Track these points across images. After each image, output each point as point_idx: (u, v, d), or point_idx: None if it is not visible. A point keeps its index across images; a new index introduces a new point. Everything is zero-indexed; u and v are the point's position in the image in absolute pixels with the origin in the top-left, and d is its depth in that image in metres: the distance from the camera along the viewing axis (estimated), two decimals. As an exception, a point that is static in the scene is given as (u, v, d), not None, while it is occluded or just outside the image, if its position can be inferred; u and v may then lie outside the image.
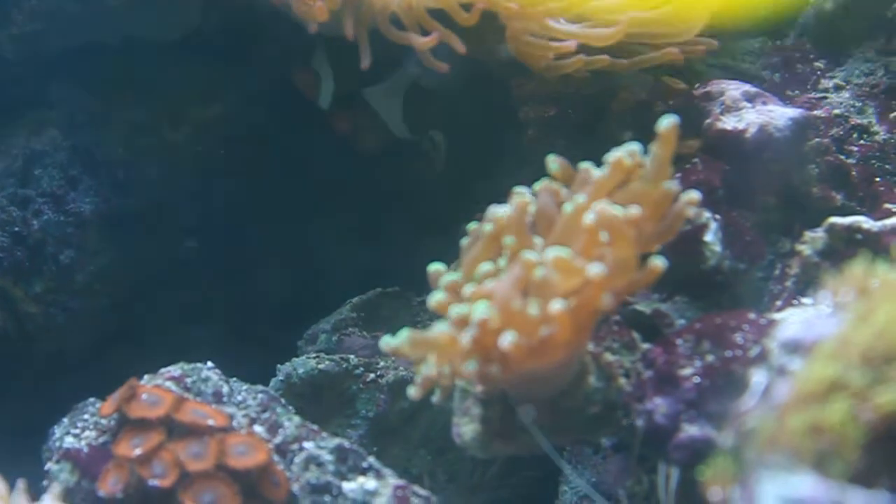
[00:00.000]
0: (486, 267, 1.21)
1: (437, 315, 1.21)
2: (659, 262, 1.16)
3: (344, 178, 2.27)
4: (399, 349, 1.20)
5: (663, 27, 1.68)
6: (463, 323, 1.15)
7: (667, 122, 1.18)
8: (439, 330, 1.17)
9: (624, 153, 1.21)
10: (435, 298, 1.20)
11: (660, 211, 1.22)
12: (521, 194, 1.25)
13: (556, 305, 1.10)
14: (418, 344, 1.19)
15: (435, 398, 1.24)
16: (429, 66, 1.73)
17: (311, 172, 2.25)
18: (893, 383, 0.82)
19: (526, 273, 1.15)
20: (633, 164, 1.21)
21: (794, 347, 1.06)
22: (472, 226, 1.28)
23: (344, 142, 2.17)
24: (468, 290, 1.17)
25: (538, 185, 1.28)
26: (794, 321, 1.14)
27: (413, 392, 1.23)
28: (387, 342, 1.20)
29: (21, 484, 1.29)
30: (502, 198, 1.27)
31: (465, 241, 1.28)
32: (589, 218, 1.14)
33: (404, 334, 1.19)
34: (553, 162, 1.28)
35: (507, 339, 1.10)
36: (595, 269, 1.11)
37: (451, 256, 1.30)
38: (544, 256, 1.13)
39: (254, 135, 2.24)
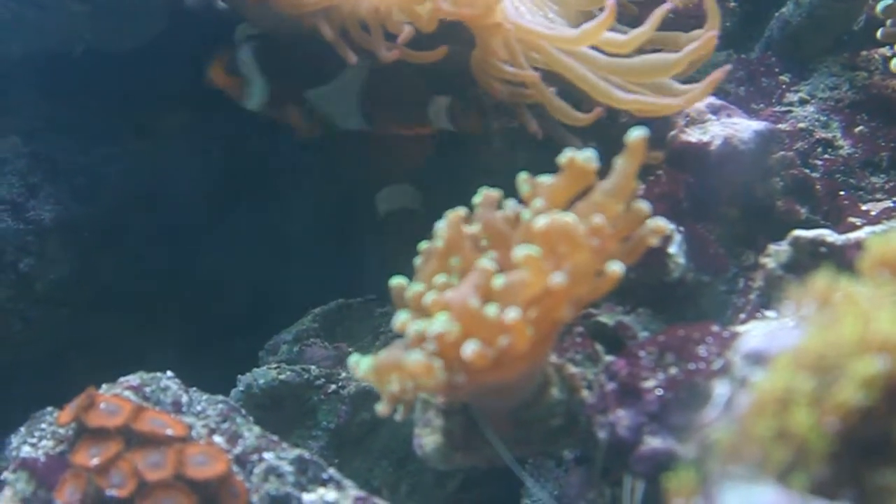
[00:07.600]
0: (441, 279, 1.19)
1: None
2: (616, 268, 1.14)
3: (312, 187, 2.25)
4: (366, 377, 1.19)
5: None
6: (422, 340, 1.14)
7: (636, 134, 1.17)
8: (408, 357, 1.15)
9: (576, 153, 1.20)
10: (399, 319, 1.18)
11: (623, 227, 1.21)
12: (453, 211, 1.23)
13: (513, 314, 1.09)
14: (384, 370, 1.18)
15: (397, 415, 1.23)
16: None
17: (277, 180, 2.24)
18: (847, 381, 0.81)
19: (484, 281, 1.14)
20: (586, 165, 1.19)
21: (757, 359, 1.06)
22: (423, 245, 1.26)
23: (312, 149, 2.16)
24: (428, 298, 1.16)
25: (477, 198, 1.26)
26: (756, 333, 1.14)
27: (381, 409, 1.22)
28: (355, 364, 1.18)
29: None
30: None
31: (417, 261, 1.27)
32: (540, 223, 1.13)
33: (369, 361, 1.17)
34: (524, 183, 1.24)
35: (469, 348, 1.09)
36: (557, 278, 1.10)
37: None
38: (514, 254, 1.12)
39: (218, 142, 2.23)
